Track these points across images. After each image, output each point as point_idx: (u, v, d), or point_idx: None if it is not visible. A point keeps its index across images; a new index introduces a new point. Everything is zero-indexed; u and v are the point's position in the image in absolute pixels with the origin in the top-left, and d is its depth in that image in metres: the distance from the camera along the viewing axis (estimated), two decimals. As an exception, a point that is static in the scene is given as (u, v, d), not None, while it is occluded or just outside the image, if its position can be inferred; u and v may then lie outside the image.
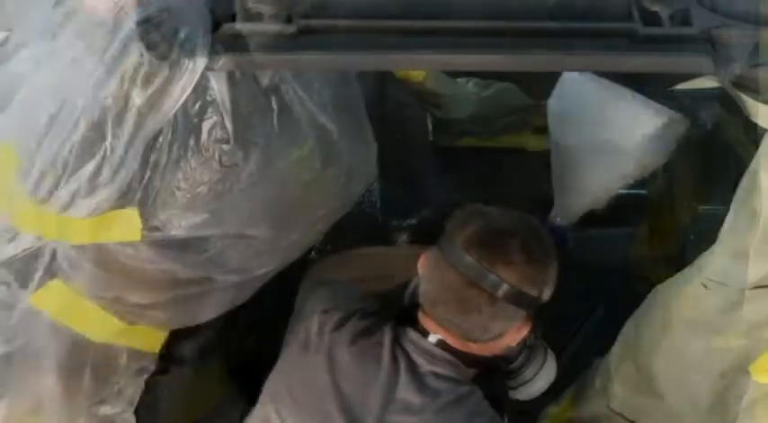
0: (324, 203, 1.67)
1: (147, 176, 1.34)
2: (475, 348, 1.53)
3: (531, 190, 2.68)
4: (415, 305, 1.58)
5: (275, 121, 1.40)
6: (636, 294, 1.81)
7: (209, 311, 1.69)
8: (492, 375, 1.61)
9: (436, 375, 1.52)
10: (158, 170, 1.35)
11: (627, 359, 1.78)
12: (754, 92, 1.28)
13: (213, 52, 1.19)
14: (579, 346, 2.43)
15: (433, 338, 1.53)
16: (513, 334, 1.52)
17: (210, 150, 1.36)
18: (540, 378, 1.67)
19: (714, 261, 1.51)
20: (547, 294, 1.51)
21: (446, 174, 2.67)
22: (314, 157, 1.53)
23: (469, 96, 2.54)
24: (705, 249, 1.61)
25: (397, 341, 1.54)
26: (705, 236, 2.31)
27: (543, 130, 2.70)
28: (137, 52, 1.19)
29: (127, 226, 1.40)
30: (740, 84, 1.28)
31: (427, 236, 2.51)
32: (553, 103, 2.05)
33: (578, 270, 2.22)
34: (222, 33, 1.19)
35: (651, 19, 1.24)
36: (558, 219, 2.14)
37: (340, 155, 1.62)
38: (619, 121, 1.90)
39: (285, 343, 1.63)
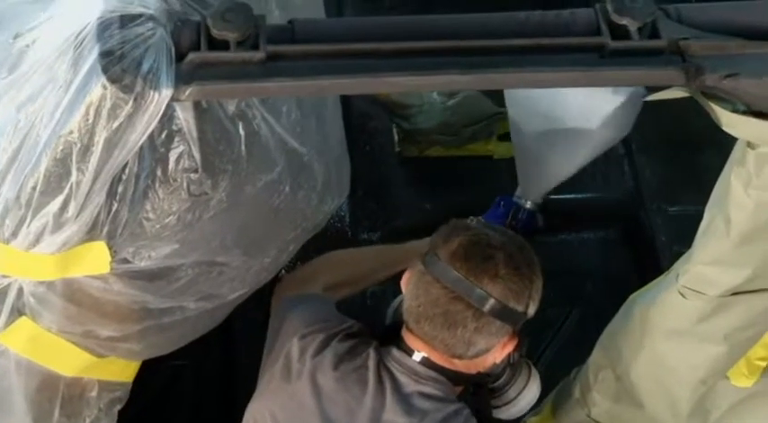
0: (296, 225, 1.65)
1: (114, 208, 1.31)
2: (460, 365, 1.52)
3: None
4: (398, 323, 1.56)
5: (243, 148, 1.37)
6: (611, 298, 1.81)
7: (181, 339, 1.67)
8: (477, 393, 1.60)
9: (422, 395, 1.51)
10: (125, 201, 1.31)
11: (606, 368, 1.77)
12: (725, 101, 1.28)
13: (179, 82, 1.15)
14: (555, 352, 2.44)
15: (417, 356, 1.51)
16: (499, 350, 1.52)
17: (178, 180, 1.33)
18: (523, 397, 1.66)
19: (691, 269, 1.51)
20: (532, 310, 1.51)
21: (414, 184, 2.67)
22: (284, 181, 1.50)
23: (436, 106, 2.54)
24: (677, 251, 1.61)
25: (381, 362, 1.53)
26: (676, 237, 2.33)
27: (509, 136, 2.72)
28: (100, 85, 1.15)
29: (95, 259, 1.37)
30: (711, 94, 1.27)
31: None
32: None
33: (552, 275, 2.23)
34: (188, 63, 1.16)
35: (619, 32, 1.23)
36: (523, 199, 2.15)
37: (311, 176, 1.60)
38: (577, 103, 1.90)
39: (264, 369, 1.61)
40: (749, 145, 1.32)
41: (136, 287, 1.45)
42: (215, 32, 1.16)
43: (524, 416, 1.92)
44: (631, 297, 1.72)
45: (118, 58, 1.15)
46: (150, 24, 1.17)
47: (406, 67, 1.20)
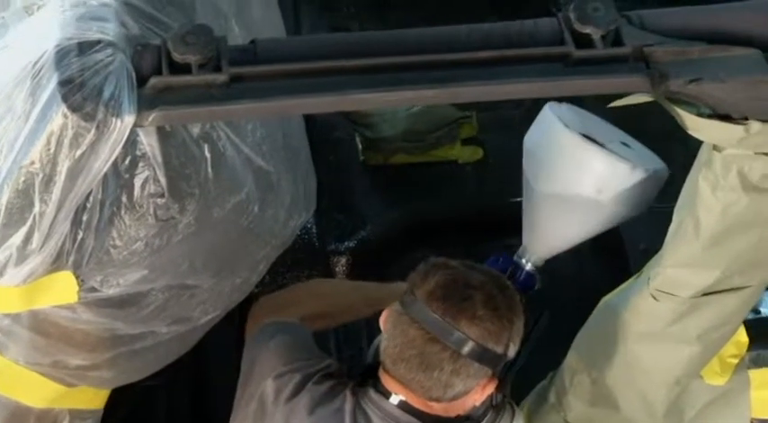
0: (265, 243, 1.64)
1: (79, 237, 1.28)
2: (438, 409, 1.46)
3: (465, 201, 2.70)
4: (378, 363, 1.50)
5: (210, 170, 1.35)
6: (581, 298, 1.81)
7: (153, 365, 1.65)
8: None
9: None
10: (91, 230, 1.29)
11: (581, 372, 1.77)
12: (689, 105, 1.28)
13: (142, 108, 1.13)
14: (528, 355, 2.43)
15: (395, 399, 1.46)
16: (478, 392, 1.46)
17: (145, 205, 1.31)
18: None
19: (661, 272, 1.52)
20: (513, 352, 1.45)
21: (380, 192, 2.65)
22: (252, 201, 1.49)
23: (398, 113, 2.52)
24: (645, 249, 1.61)
25: (357, 405, 1.47)
26: (644, 235, 2.33)
27: (472, 140, 2.72)
28: (61, 114, 1.13)
29: (62, 289, 1.34)
30: (675, 98, 1.28)
31: (367, 257, 2.51)
32: (529, 141, 1.97)
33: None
34: (150, 88, 1.14)
35: (583, 41, 1.23)
36: (524, 260, 2.08)
37: (279, 194, 1.58)
38: (595, 173, 1.82)
39: (237, 406, 1.55)
40: (715, 148, 1.33)
41: (105, 315, 1.43)
42: (176, 56, 1.14)
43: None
44: (603, 300, 1.73)
45: (78, 86, 1.13)
46: (109, 50, 1.15)
47: (372, 83, 1.19)
